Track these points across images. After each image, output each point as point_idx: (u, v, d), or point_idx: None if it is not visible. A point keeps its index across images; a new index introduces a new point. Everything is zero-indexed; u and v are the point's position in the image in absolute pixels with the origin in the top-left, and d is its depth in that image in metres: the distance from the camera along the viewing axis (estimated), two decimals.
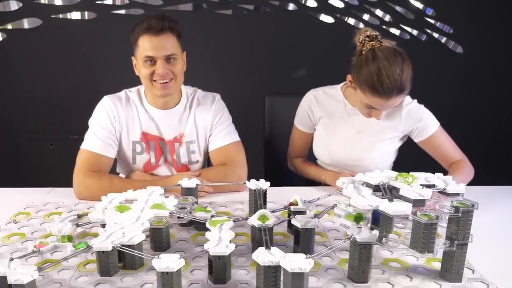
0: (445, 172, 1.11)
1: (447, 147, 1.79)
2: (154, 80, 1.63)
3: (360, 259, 0.98)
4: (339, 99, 1.84)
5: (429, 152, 1.81)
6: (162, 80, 1.63)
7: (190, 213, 1.20)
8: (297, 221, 1.11)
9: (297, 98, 1.99)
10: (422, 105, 1.79)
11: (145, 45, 1.59)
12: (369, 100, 1.57)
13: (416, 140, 1.79)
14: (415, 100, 1.79)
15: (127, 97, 1.77)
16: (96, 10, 3.10)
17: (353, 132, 1.80)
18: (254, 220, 1.10)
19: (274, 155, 2.21)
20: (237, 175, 1.70)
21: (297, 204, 1.24)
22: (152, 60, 1.60)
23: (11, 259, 0.92)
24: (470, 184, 1.67)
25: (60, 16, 3.09)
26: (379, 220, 0.99)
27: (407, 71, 1.51)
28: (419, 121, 1.75)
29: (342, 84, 1.86)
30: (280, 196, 1.55)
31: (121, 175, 1.83)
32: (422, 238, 0.92)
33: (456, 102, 3.40)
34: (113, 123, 1.70)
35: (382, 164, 1.79)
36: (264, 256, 0.89)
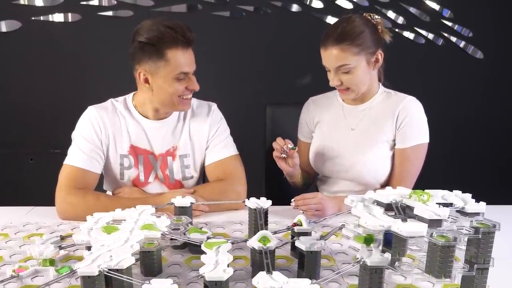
0: (464, 189, 1.12)
1: (409, 170, 1.80)
2: (179, 96, 1.67)
3: (371, 285, 0.99)
4: (337, 101, 1.95)
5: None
6: (190, 95, 1.69)
7: (184, 234, 1.21)
8: (302, 243, 1.12)
9: (301, 108, 2.02)
10: (424, 114, 1.81)
11: (180, 60, 1.60)
12: (321, 55, 1.74)
13: (397, 145, 1.80)
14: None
15: (113, 107, 1.78)
16: (80, 11, 3.13)
17: (347, 130, 1.87)
18: (254, 242, 1.11)
19: (276, 170, 2.21)
20: (236, 191, 1.72)
21: (301, 225, 1.25)
22: (185, 76, 1.65)
23: None
24: (491, 202, 1.68)
25: (41, 18, 3.12)
26: (391, 242, 1.00)
27: (353, 24, 1.69)
28: (410, 118, 1.77)
29: None
30: (283, 215, 1.56)
31: (108, 192, 1.84)
32: (439, 261, 0.93)
33: (476, 112, 3.41)
34: (99, 136, 1.71)
35: (375, 174, 1.82)
36: (265, 281, 0.90)
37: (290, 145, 1.69)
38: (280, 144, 1.70)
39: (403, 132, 1.78)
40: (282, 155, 1.70)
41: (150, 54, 1.59)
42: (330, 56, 1.70)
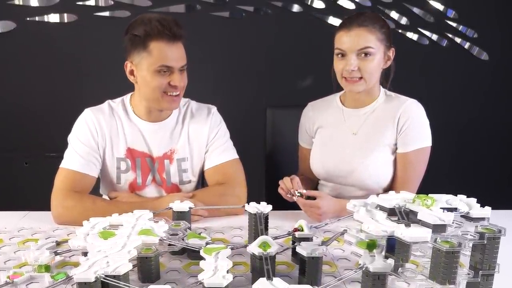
0: (468, 194, 1.13)
1: (412, 174, 1.80)
2: (164, 92, 1.66)
3: None
4: (336, 105, 1.94)
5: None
6: (176, 92, 1.67)
7: (183, 239, 1.21)
8: (303, 249, 1.12)
9: (302, 111, 2.03)
10: (426, 117, 1.81)
11: (162, 53, 1.60)
12: (337, 41, 1.76)
13: (399, 149, 1.80)
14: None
15: (110, 108, 1.78)
16: (77, 12, 3.14)
17: (349, 134, 1.87)
18: (254, 248, 1.11)
19: (277, 174, 2.21)
20: (236, 195, 1.72)
21: (302, 230, 1.25)
22: (167, 70, 1.63)
23: None
24: (497, 207, 1.68)
25: (37, 18, 3.13)
26: (394, 247, 1.00)
27: (375, 18, 1.73)
28: (411, 122, 1.77)
29: (341, 92, 1.95)
30: (284, 220, 1.56)
31: (104, 196, 1.84)
32: (443, 267, 0.93)
33: (480, 114, 3.41)
34: (95, 138, 1.72)
35: (377, 179, 1.82)
36: None
37: (298, 193, 1.63)
38: (287, 186, 1.66)
39: (404, 136, 1.77)
40: (288, 195, 1.67)
41: (136, 46, 1.62)
42: (355, 37, 1.69)
